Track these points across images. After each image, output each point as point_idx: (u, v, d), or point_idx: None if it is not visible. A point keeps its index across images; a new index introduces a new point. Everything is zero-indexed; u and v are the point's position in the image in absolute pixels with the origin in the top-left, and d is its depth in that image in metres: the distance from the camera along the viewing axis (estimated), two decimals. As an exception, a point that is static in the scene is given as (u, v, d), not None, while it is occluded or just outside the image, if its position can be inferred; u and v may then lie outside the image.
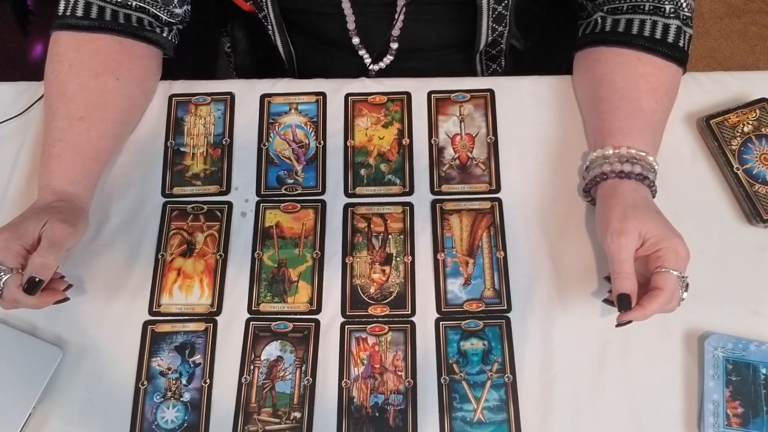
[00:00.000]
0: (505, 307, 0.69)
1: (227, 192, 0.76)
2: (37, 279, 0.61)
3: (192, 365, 0.68)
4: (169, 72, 0.82)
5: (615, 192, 0.65)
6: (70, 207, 0.68)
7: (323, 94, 0.80)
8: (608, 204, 0.65)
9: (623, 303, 0.60)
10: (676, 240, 0.61)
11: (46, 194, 0.69)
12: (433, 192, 0.75)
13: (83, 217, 0.69)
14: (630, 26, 0.71)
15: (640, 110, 0.69)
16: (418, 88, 0.80)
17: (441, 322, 0.68)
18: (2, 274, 0.62)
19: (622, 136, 0.68)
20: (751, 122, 0.74)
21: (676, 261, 0.61)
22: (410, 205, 0.74)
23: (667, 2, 0.70)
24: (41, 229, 0.63)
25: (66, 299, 0.67)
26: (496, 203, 0.74)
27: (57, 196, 0.68)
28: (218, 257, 0.72)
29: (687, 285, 0.62)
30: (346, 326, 0.69)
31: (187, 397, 0.67)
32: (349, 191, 0.75)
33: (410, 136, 0.78)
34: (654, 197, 0.67)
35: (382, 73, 0.86)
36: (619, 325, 0.61)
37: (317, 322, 0.69)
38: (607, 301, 0.67)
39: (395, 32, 0.82)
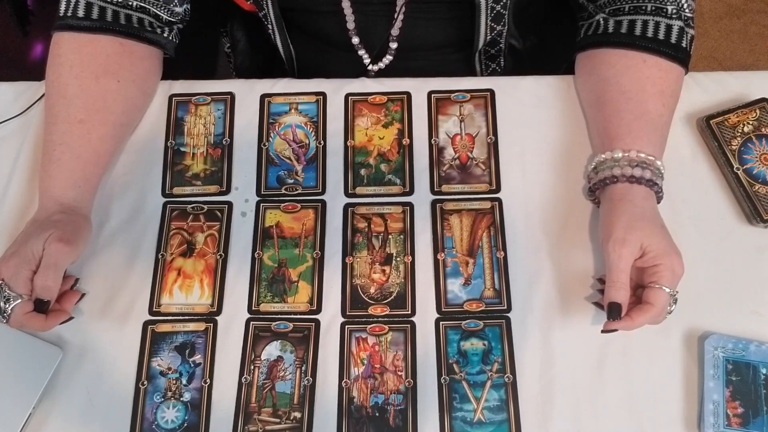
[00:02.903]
0: (505, 307, 0.69)
1: (227, 192, 0.76)
2: (44, 299, 0.64)
3: (192, 365, 0.68)
4: (169, 72, 0.82)
5: (624, 198, 0.65)
6: (71, 219, 0.68)
7: (323, 94, 0.80)
8: (616, 210, 0.65)
9: (613, 312, 0.61)
10: (675, 258, 0.62)
11: (47, 203, 0.69)
12: (433, 192, 0.75)
13: (84, 229, 0.69)
14: (633, 27, 0.71)
15: (647, 113, 0.69)
16: (418, 88, 0.80)
17: (441, 322, 0.68)
18: (11, 300, 0.63)
19: (630, 140, 0.68)
20: (751, 122, 0.74)
21: (671, 278, 0.62)
22: (410, 205, 0.74)
23: (669, 3, 0.70)
24: (43, 249, 0.64)
25: (71, 318, 0.68)
26: (496, 203, 0.74)
27: (58, 206, 0.69)
28: (218, 257, 0.72)
29: (676, 300, 0.63)
30: (346, 326, 0.69)
31: (187, 397, 0.67)
32: (349, 191, 0.75)
33: (410, 136, 0.78)
34: (659, 202, 0.67)
35: (381, 73, 0.86)
36: (605, 331, 0.62)
37: (317, 322, 0.69)
38: (597, 304, 0.67)
39: (394, 32, 0.82)
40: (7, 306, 0.63)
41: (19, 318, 0.64)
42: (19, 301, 0.63)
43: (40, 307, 0.64)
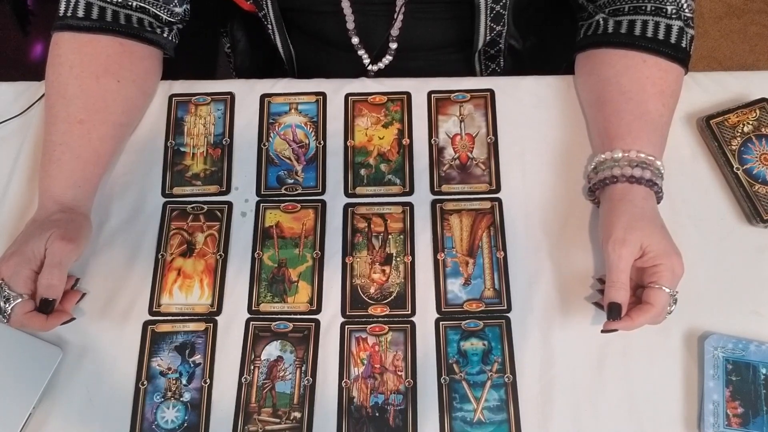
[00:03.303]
0: (505, 307, 0.69)
1: (227, 192, 0.76)
2: (48, 299, 0.63)
3: (192, 365, 0.68)
4: (169, 72, 0.82)
5: (624, 198, 0.65)
6: (72, 218, 0.68)
7: (323, 94, 0.80)
8: (616, 210, 0.65)
9: (613, 312, 0.61)
10: (675, 258, 0.62)
11: (47, 203, 0.69)
12: (433, 192, 0.75)
13: (85, 227, 0.69)
14: (632, 27, 0.71)
15: (647, 113, 0.69)
16: (418, 88, 0.80)
17: (441, 322, 0.68)
18: (11, 300, 0.63)
19: (631, 140, 0.68)
20: (751, 122, 0.74)
21: (671, 279, 0.62)
22: (410, 205, 0.74)
23: (668, 3, 0.70)
24: (45, 248, 0.64)
25: (72, 319, 0.68)
26: (496, 203, 0.74)
27: (58, 206, 0.69)
28: (218, 257, 0.72)
29: (676, 300, 0.63)
30: (346, 326, 0.69)
31: (187, 397, 0.67)
32: (349, 191, 0.75)
33: (410, 136, 0.78)
34: (659, 203, 0.67)
35: (381, 73, 0.86)
36: (604, 331, 0.62)
37: (317, 322, 0.69)
38: (597, 304, 0.67)
39: (394, 32, 0.82)
40: (7, 306, 0.63)
41: (20, 318, 0.64)
42: (20, 300, 0.63)
43: (45, 307, 0.63)
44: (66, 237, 0.65)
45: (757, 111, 0.75)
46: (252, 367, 0.68)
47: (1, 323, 0.65)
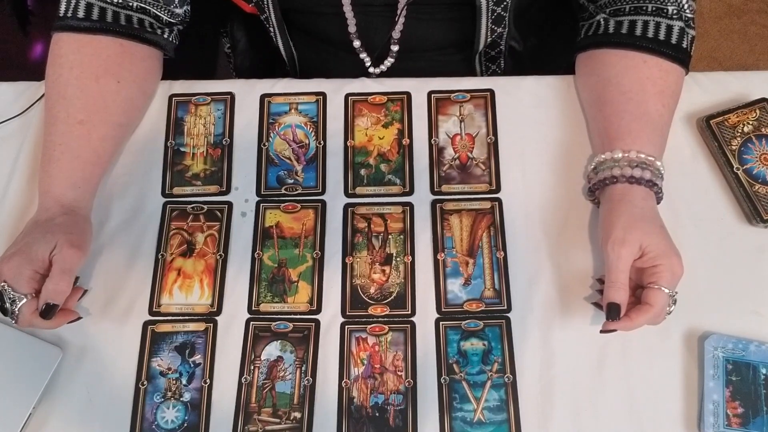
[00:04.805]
0: (505, 307, 0.69)
1: (227, 192, 0.76)
2: (51, 303, 0.63)
3: (192, 365, 0.68)
4: (169, 72, 0.82)
5: (624, 198, 0.65)
6: (75, 222, 0.68)
7: (323, 94, 0.80)
8: (615, 210, 0.65)
9: (612, 312, 0.61)
10: (675, 259, 0.62)
11: (47, 203, 0.69)
12: (433, 192, 0.75)
13: (87, 231, 0.69)
14: (633, 28, 0.71)
15: (647, 114, 0.69)
16: (418, 88, 0.80)
17: (441, 322, 0.68)
18: (17, 300, 0.63)
19: (631, 140, 0.68)
20: (751, 122, 0.74)
21: (670, 279, 0.62)
22: (410, 205, 0.74)
23: (669, 3, 0.70)
24: (51, 253, 0.64)
25: (79, 318, 0.68)
26: (496, 203, 0.74)
27: (60, 208, 0.68)
28: (218, 257, 0.72)
29: (675, 300, 0.63)
30: (346, 326, 0.69)
31: (187, 397, 0.67)
32: (349, 191, 0.75)
33: (410, 136, 0.78)
34: (659, 203, 0.67)
35: (382, 74, 0.86)
36: (603, 331, 0.63)
37: (317, 322, 0.69)
38: (596, 304, 0.67)
39: (395, 34, 0.82)
40: (14, 307, 0.63)
41: (28, 317, 0.64)
42: (25, 300, 0.63)
43: (46, 313, 0.63)
44: (75, 244, 0.65)
45: (757, 111, 0.75)
46: (252, 367, 0.68)
47: (1, 323, 0.65)
